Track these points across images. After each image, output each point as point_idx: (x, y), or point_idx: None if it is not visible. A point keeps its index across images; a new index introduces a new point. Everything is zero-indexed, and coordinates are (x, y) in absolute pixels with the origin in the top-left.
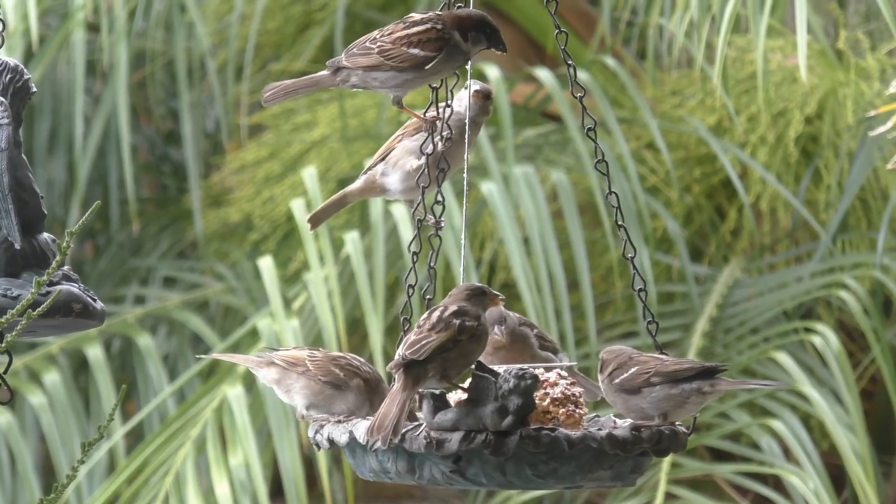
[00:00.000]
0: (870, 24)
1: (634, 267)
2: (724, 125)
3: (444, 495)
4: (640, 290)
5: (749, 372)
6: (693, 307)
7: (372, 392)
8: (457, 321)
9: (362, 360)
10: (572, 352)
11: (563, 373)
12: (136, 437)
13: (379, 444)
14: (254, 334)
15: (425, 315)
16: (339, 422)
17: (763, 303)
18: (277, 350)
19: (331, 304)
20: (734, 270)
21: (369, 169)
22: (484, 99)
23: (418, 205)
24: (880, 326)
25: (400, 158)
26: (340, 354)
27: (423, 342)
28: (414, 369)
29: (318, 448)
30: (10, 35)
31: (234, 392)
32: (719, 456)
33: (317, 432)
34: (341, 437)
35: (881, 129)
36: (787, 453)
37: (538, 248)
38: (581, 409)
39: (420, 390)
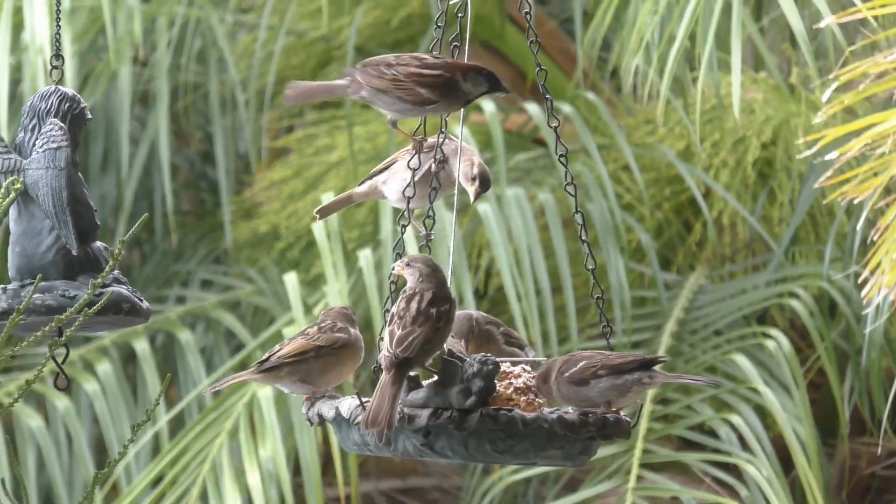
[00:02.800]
0: (819, 62)
1: (594, 277)
2: (691, 150)
3: (445, 471)
4: (597, 297)
5: (712, 369)
6: (663, 310)
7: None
8: (433, 310)
9: (329, 314)
10: (555, 348)
11: (527, 367)
12: (177, 423)
13: (375, 438)
14: (278, 336)
15: (403, 305)
16: (328, 398)
17: (724, 307)
18: (271, 355)
19: None
20: (699, 278)
21: (374, 176)
22: (480, 186)
23: (402, 213)
24: (825, 328)
25: (399, 171)
26: (322, 322)
27: (411, 339)
28: (403, 365)
29: (311, 423)
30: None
31: (263, 392)
32: (686, 443)
33: (309, 409)
34: (329, 413)
35: (830, 155)
36: (743, 442)
37: (526, 258)
38: (541, 398)
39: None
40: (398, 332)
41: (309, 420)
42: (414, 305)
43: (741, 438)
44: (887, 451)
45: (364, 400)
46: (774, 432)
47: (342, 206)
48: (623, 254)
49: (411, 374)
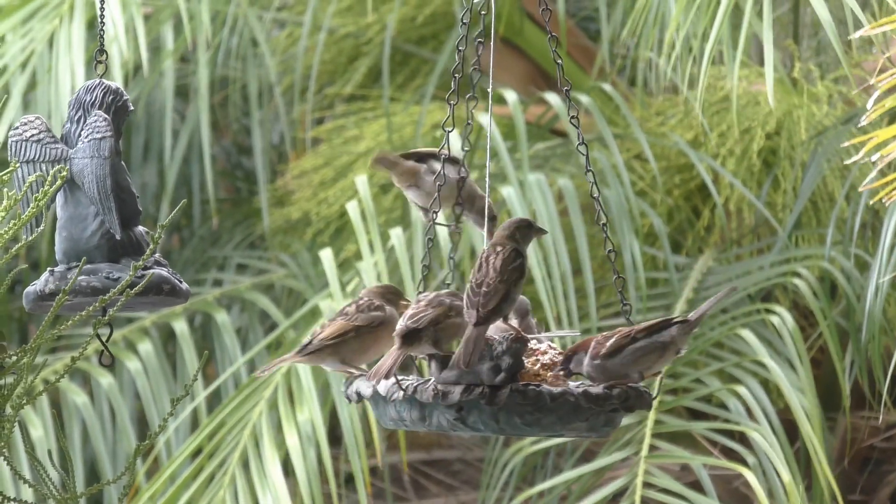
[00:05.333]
0: (819, 57)
1: (612, 262)
2: (700, 139)
3: (468, 444)
4: (616, 277)
5: (719, 344)
6: (674, 291)
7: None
8: (448, 300)
9: (366, 294)
10: (576, 325)
11: (553, 344)
12: (215, 400)
13: (374, 383)
14: (314, 313)
15: (425, 293)
16: (366, 377)
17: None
18: (313, 338)
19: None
20: (707, 260)
21: (424, 159)
22: (494, 224)
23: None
24: (827, 307)
25: (427, 183)
26: (359, 300)
27: (420, 315)
28: (410, 335)
29: (350, 401)
30: (124, 64)
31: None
32: (698, 415)
33: (348, 387)
34: (366, 391)
35: (854, 158)
36: (750, 413)
37: (548, 241)
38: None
39: (414, 353)
40: (412, 311)
41: (348, 398)
42: (433, 294)
43: (748, 411)
44: (886, 424)
45: (399, 378)
46: (779, 406)
47: (388, 165)
48: (637, 237)
49: (441, 354)
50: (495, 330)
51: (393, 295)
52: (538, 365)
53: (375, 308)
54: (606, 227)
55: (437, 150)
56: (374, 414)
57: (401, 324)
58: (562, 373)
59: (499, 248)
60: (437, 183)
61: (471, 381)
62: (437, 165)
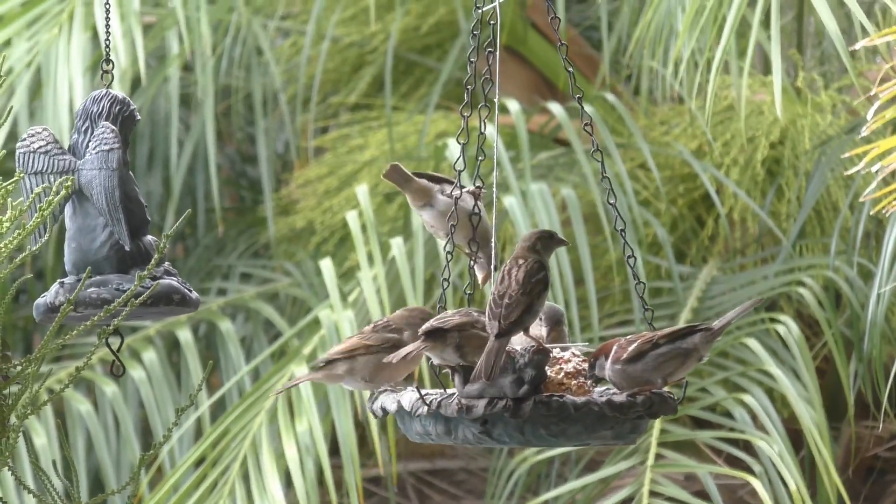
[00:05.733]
0: (823, 67)
1: (631, 267)
2: (704, 149)
3: (472, 453)
4: (637, 283)
5: (724, 353)
6: (678, 300)
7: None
8: (475, 314)
9: (391, 317)
10: (578, 336)
11: (576, 352)
12: (218, 408)
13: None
14: (316, 323)
15: (455, 311)
16: (390, 392)
17: (735, 296)
18: (327, 354)
19: (379, 297)
20: (711, 270)
21: (437, 182)
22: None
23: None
24: (832, 316)
25: (449, 204)
26: (377, 322)
27: (447, 318)
28: (434, 333)
29: (375, 417)
30: (122, 75)
31: (300, 371)
32: (702, 424)
33: (373, 403)
34: (391, 406)
35: (856, 168)
36: (755, 422)
37: None
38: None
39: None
40: (440, 315)
41: (373, 413)
42: (464, 308)
43: (754, 419)
44: (889, 434)
45: (423, 393)
46: (783, 416)
47: (401, 181)
48: (641, 247)
49: (464, 366)
50: (518, 342)
51: (421, 319)
52: (562, 374)
53: (392, 330)
54: (624, 232)
55: (451, 178)
56: (401, 428)
57: (427, 324)
58: (588, 381)
59: (521, 261)
60: (453, 204)
61: (494, 394)
62: (451, 189)
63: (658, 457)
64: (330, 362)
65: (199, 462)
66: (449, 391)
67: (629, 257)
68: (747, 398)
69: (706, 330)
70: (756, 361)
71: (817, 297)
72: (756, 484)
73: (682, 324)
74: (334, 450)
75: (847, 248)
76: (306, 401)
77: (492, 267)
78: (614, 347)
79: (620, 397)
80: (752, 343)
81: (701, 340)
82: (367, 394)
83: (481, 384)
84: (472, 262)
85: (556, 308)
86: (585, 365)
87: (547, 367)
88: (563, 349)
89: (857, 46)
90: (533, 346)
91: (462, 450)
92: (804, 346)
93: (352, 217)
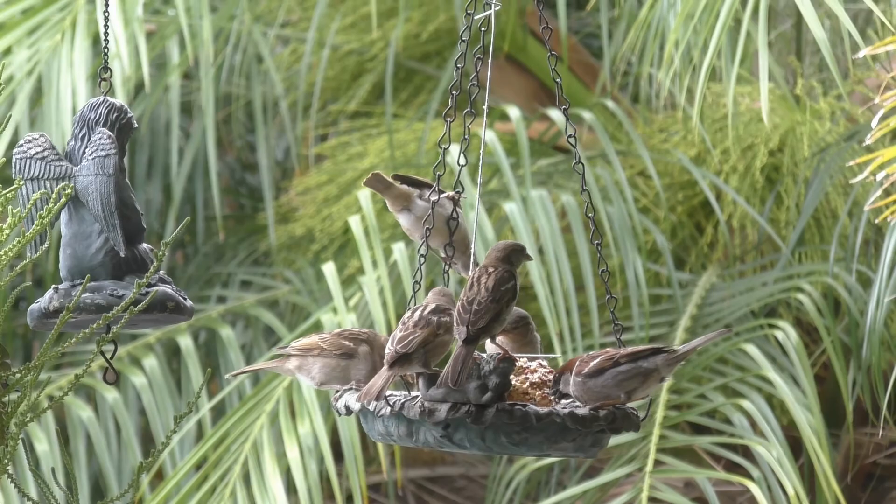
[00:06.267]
0: (822, 74)
1: (604, 281)
2: (703, 156)
3: (472, 460)
4: (608, 297)
5: (723, 360)
6: (677, 307)
7: (374, 351)
8: (435, 318)
9: (363, 329)
10: (579, 343)
11: (544, 363)
12: (219, 413)
13: (365, 403)
14: (317, 326)
15: (408, 313)
16: (355, 390)
17: (735, 303)
18: (289, 344)
19: (382, 299)
20: (711, 276)
21: (417, 186)
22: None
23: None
24: (831, 323)
25: (426, 209)
26: (344, 329)
27: (410, 338)
28: (401, 360)
29: (339, 414)
30: (126, 81)
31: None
32: (699, 430)
33: (336, 400)
34: (355, 405)
35: (859, 177)
36: (754, 428)
37: (551, 257)
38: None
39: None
40: (400, 334)
41: (337, 411)
42: (417, 313)
43: (753, 426)
44: (889, 441)
45: (387, 394)
46: (782, 423)
47: (381, 188)
48: (640, 253)
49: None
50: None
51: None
52: (527, 384)
53: (351, 339)
54: (600, 245)
55: (432, 181)
56: (364, 427)
57: (390, 348)
58: (552, 396)
59: (491, 269)
60: (430, 209)
61: (458, 399)
62: (430, 194)
63: (657, 463)
64: (286, 356)
65: (200, 464)
66: (413, 393)
67: (603, 271)
68: (746, 404)
69: (670, 353)
70: (755, 367)
71: (816, 303)
72: (755, 489)
73: (680, 331)
74: (335, 456)
75: (846, 256)
76: (308, 403)
77: (469, 273)
78: (577, 361)
79: (583, 410)
80: (751, 349)
81: (663, 362)
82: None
83: (445, 388)
84: (446, 267)
85: (521, 311)
86: (551, 376)
87: (512, 376)
88: (531, 359)
89: (860, 55)
90: (499, 353)
91: (462, 456)
92: (803, 353)
93: (354, 221)
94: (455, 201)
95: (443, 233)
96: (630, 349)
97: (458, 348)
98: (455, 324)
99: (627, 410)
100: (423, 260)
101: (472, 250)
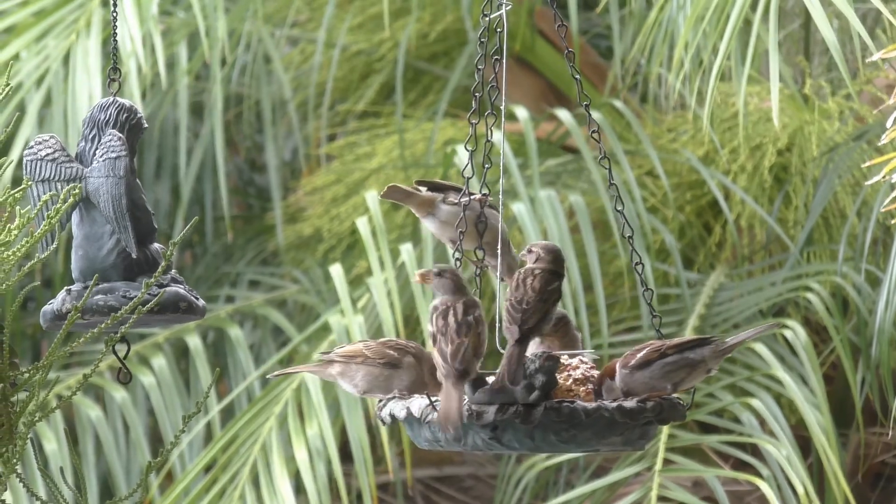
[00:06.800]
0: (830, 74)
1: (639, 274)
2: (711, 156)
3: (480, 460)
4: (645, 289)
5: (731, 359)
6: (686, 307)
7: (421, 364)
8: (471, 318)
9: (408, 341)
10: (588, 342)
11: (584, 359)
12: (228, 414)
13: (452, 434)
14: (325, 328)
15: (441, 322)
16: (399, 399)
17: (743, 303)
18: (333, 350)
19: (390, 301)
20: (719, 276)
21: (441, 190)
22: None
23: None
24: (840, 322)
25: (451, 213)
26: (389, 339)
27: (463, 351)
28: (463, 375)
29: (383, 423)
30: (142, 79)
31: (310, 375)
32: (708, 429)
33: (381, 409)
34: (400, 413)
35: (874, 179)
36: (763, 427)
37: None
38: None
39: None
40: (450, 349)
41: (382, 420)
42: (452, 319)
43: (762, 425)
44: None
45: (434, 399)
46: (791, 422)
47: (401, 197)
48: (649, 253)
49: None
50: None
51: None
52: (570, 380)
53: (397, 349)
54: (632, 239)
55: (457, 185)
56: (410, 435)
57: (447, 365)
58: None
59: (536, 271)
60: (454, 213)
61: (505, 399)
62: (459, 197)
63: (666, 462)
64: (329, 361)
65: (210, 467)
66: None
67: (637, 264)
68: (755, 402)
69: (717, 344)
70: (763, 366)
71: (825, 302)
72: (765, 488)
73: (689, 330)
74: (343, 456)
75: (855, 255)
76: (317, 405)
77: (511, 273)
78: (624, 355)
79: (631, 403)
80: (760, 348)
81: (710, 354)
82: (377, 399)
83: (491, 390)
84: (477, 271)
85: (559, 310)
86: (594, 372)
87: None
88: (572, 356)
89: (874, 58)
90: (544, 352)
91: (470, 456)
92: (812, 352)
93: (362, 223)
94: (483, 203)
95: (472, 235)
96: (676, 340)
97: (511, 347)
98: (506, 324)
99: (674, 400)
100: (458, 264)
101: (513, 252)
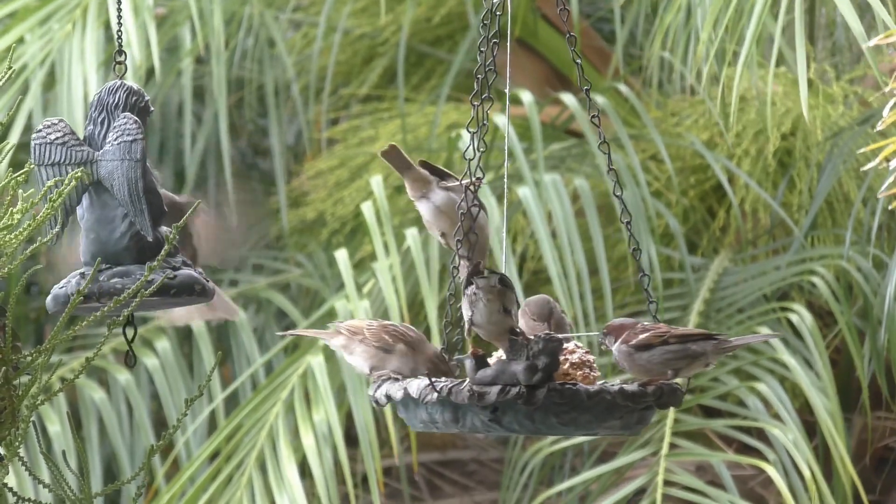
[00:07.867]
0: (835, 58)
1: (637, 259)
2: (715, 140)
3: (484, 444)
4: (642, 275)
5: None
6: (690, 291)
7: (415, 352)
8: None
9: (409, 326)
10: (594, 326)
11: (580, 343)
12: (232, 401)
13: (443, 416)
14: (331, 313)
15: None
16: (395, 380)
17: (747, 287)
18: (345, 322)
19: (395, 286)
20: (723, 261)
21: (436, 174)
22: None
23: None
24: (845, 306)
25: (448, 198)
26: (391, 323)
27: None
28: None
29: (378, 404)
30: (137, 69)
31: (316, 360)
32: (712, 413)
33: (376, 390)
34: (397, 393)
35: (870, 164)
36: (768, 410)
37: (564, 241)
38: (595, 371)
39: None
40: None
41: (376, 401)
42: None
43: (767, 408)
44: None
45: (434, 380)
46: (795, 406)
47: (400, 166)
48: (653, 238)
49: (479, 353)
50: (529, 330)
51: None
52: (567, 364)
53: (394, 336)
54: (630, 224)
55: (456, 175)
56: (402, 416)
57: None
58: (602, 347)
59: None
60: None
61: (507, 380)
62: (452, 183)
63: (672, 446)
64: (336, 332)
65: (215, 455)
66: (456, 379)
67: (634, 250)
68: (760, 386)
69: (720, 341)
70: (769, 350)
71: (830, 286)
72: (770, 471)
73: (693, 315)
74: (347, 441)
75: (860, 239)
76: (322, 390)
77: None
78: (626, 332)
79: (632, 387)
80: (765, 331)
81: (712, 349)
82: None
83: (494, 370)
84: (454, 261)
85: (544, 298)
86: (590, 356)
87: None
88: (567, 340)
89: (871, 43)
90: (547, 333)
91: (474, 441)
92: (817, 335)
93: (366, 207)
94: (474, 189)
95: (452, 220)
96: (682, 330)
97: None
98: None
99: (674, 386)
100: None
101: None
